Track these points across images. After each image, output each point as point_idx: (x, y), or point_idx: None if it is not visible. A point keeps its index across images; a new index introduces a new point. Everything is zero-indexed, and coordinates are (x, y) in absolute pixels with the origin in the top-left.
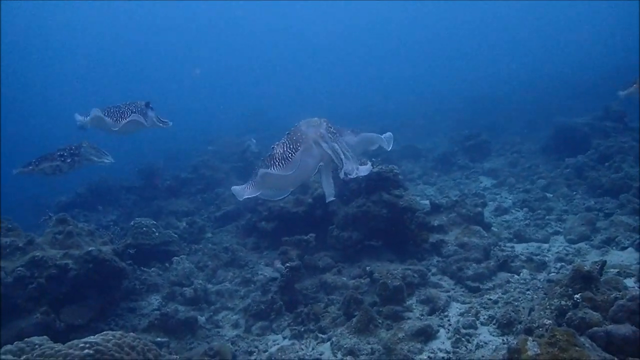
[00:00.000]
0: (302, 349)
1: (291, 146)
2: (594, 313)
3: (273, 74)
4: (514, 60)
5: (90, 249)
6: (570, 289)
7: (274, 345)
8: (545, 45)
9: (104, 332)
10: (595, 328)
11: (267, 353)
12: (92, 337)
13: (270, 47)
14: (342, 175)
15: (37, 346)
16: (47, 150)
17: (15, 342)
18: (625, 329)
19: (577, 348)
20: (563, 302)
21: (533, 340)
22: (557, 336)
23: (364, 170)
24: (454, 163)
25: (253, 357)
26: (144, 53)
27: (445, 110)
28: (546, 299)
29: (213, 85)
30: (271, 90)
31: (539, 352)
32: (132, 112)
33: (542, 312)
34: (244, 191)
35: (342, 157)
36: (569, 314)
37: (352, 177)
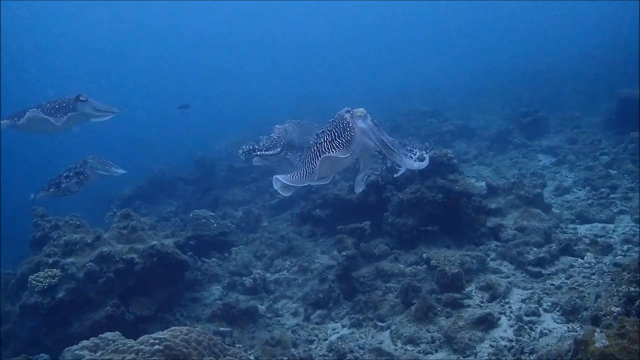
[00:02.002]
0: (362, 338)
1: (340, 136)
2: None
3: (324, 57)
4: (570, 29)
5: (153, 243)
6: (639, 274)
7: (334, 333)
8: (603, 11)
9: (172, 328)
10: None
11: (327, 342)
12: (160, 332)
13: (317, 32)
14: (402, 170)
15: (110, 342)
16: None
17: (91, 338)
18: None
19: None
20: (632, 289)
21: (601, 332)
22: (627, 327)
23: (423, 164)
24: (510, 142)
25: (314, 346)
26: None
27: (497, 85)
28: (613, 285)
29: (265, 75)
30: (321, 74)
31: (607, 343)
32: (59, 111)
33: (609, 299)
34: (288, 183)
35: (394, 150)
36: (639, 301)
37: (412, 169)
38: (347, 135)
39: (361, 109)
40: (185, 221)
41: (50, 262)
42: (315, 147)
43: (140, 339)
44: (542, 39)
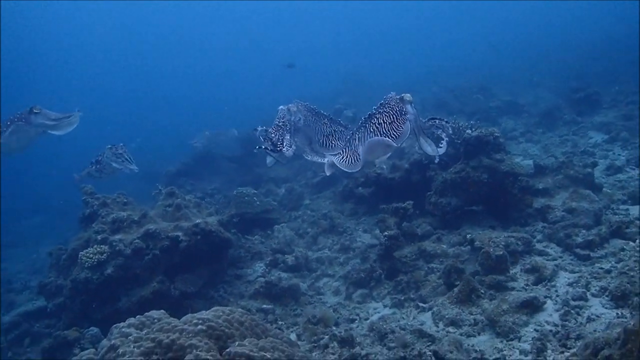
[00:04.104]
0: (403, 318)
1: (398, 119)
2: None
3: (365, 33)
4: None
5: (197, 221)
6: None
7: (375, 313)
8: None
9: (215, 308)
10: None
11: (368, 321)
12: (204, 312)
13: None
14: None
15: (156, 320)
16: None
17: (137, 316)
18: None
19: None
20: None
21: None
22: None
23: (441, 151)
24: (559, 118)
25: (355, 325)
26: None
27: (547, 59)
28: None
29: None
30: (366, 53)
31: None
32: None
33: None
34: (353, 164)
35: (425, 135)
36: None
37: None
38: (403, 119)
39: (409, 94)
40: (229, 198)
41: (99, 238)
42: (374, 129)
43: (184, 318)
44: (594, 8)
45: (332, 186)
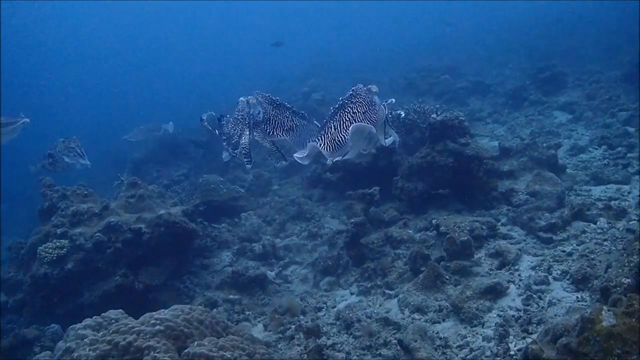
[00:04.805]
0: (370, 306)
1: (371, 110)
2: None
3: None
4: None
5: (161, 212)
6: None
7: (342, 300)
8: None
9: (173, 307)
10: None
11: (335, 309)
12: (162, 311)
13: None
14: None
15: (113, 321)
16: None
17: (94, 317)
18: None
19: None
20: None
21: (608, 310)
22: (635, 305)
23: (389, 142)
24: (525, 98)
25: (322, 313)
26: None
27: (514, 39)
28: (624, 254)
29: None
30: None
31: (614, 322)
32: None
33: (620, 270)
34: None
35: (386, 131)
36: None
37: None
38: (375, 110)
39: (375, 85)
40: (196, 185)
41: (59, 232)
42: (349, 118)
43: (142, 318)
44: None
45: (300, 171)
